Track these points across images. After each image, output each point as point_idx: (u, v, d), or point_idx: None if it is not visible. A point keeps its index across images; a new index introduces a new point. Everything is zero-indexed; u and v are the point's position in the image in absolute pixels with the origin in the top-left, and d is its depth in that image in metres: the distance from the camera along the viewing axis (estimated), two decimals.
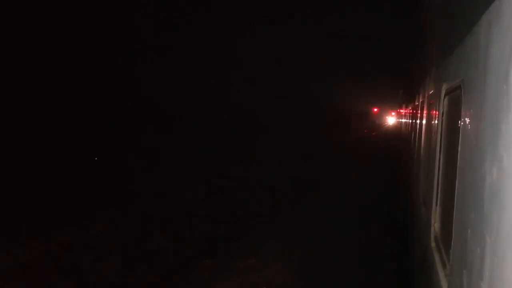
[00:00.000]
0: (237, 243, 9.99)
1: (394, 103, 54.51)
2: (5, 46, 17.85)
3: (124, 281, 7.99)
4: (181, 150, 23.95)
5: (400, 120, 31.56)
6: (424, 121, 6.23)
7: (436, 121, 4.20)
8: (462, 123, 2.37)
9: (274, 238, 10.12)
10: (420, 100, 7.48)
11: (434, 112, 4.43)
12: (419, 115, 7.91)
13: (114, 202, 13.75)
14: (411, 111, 13.11)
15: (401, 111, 29.71)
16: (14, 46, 18.64)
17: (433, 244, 3.79)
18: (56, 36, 20.45)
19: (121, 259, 9.09)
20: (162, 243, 10.07)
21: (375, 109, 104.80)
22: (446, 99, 3.61)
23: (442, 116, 3.73)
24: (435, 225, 3.89)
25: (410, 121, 13.09)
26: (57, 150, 17.08)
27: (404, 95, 24.79)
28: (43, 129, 18.31)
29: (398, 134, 30.65)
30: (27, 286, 7.90)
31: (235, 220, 11.91)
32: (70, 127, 18.74)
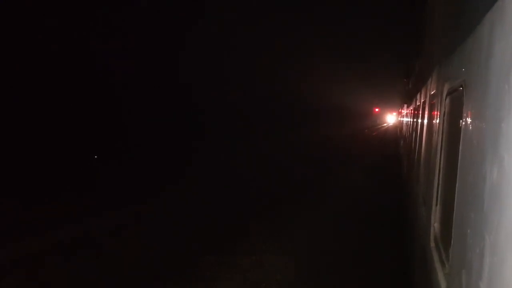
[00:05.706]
0: (237, 241, 10.00)
1: (396, 103, 54.46)
2: (4, 46, 17.79)
3: (123, 279, 7.98)
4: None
5: (402, 119, 31.51)
6: (425, 121, 6.22)
7: (437, 121, 4.20)
8: (463, 123, 2.37)
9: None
10: (422, 100, 7.46)
11: (436, 112, 4.42)
12: (420, 115, 7.90)
13: (109, 201, 13.79)
14: (412, 111, 13.07)
15: (403, 111, 29.65)
16: (13, 46, 18.55)
17: (432, 244, 3.78)
18: (54, 37, 20.34)
19: (120, 256, 9.09)
20: (161, 241, 10.08)
21: (377, 109, 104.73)
22: (447, 99, 3.60)
23: (444, 116, 3.72)
24: (435, 225, 3.89)
25: (412, 120, 13.06)
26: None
27: (406, 95, 24.75)
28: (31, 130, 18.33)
29: (399, 134, 30.59)
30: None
31: (232, 219, 11.93)
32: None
